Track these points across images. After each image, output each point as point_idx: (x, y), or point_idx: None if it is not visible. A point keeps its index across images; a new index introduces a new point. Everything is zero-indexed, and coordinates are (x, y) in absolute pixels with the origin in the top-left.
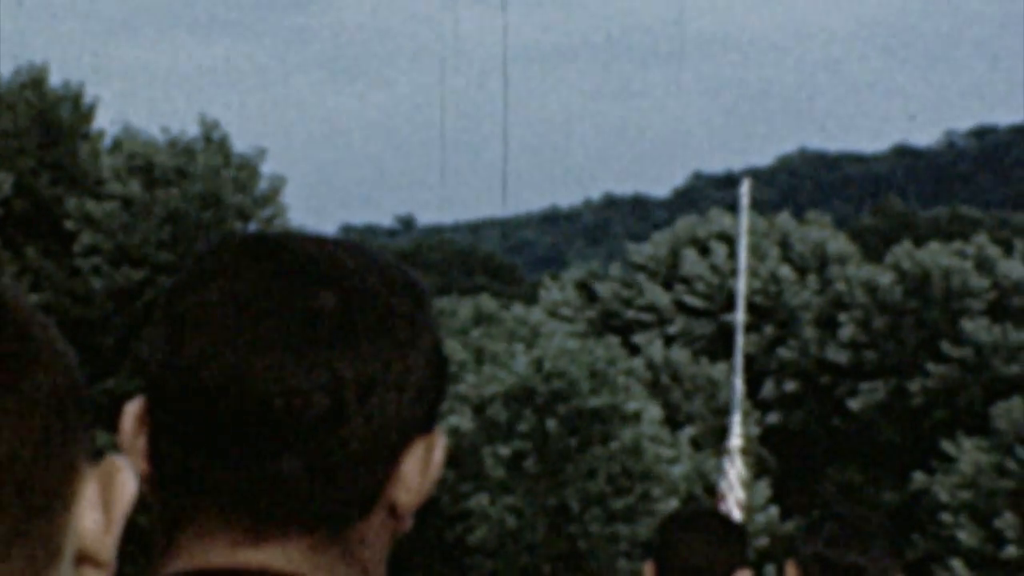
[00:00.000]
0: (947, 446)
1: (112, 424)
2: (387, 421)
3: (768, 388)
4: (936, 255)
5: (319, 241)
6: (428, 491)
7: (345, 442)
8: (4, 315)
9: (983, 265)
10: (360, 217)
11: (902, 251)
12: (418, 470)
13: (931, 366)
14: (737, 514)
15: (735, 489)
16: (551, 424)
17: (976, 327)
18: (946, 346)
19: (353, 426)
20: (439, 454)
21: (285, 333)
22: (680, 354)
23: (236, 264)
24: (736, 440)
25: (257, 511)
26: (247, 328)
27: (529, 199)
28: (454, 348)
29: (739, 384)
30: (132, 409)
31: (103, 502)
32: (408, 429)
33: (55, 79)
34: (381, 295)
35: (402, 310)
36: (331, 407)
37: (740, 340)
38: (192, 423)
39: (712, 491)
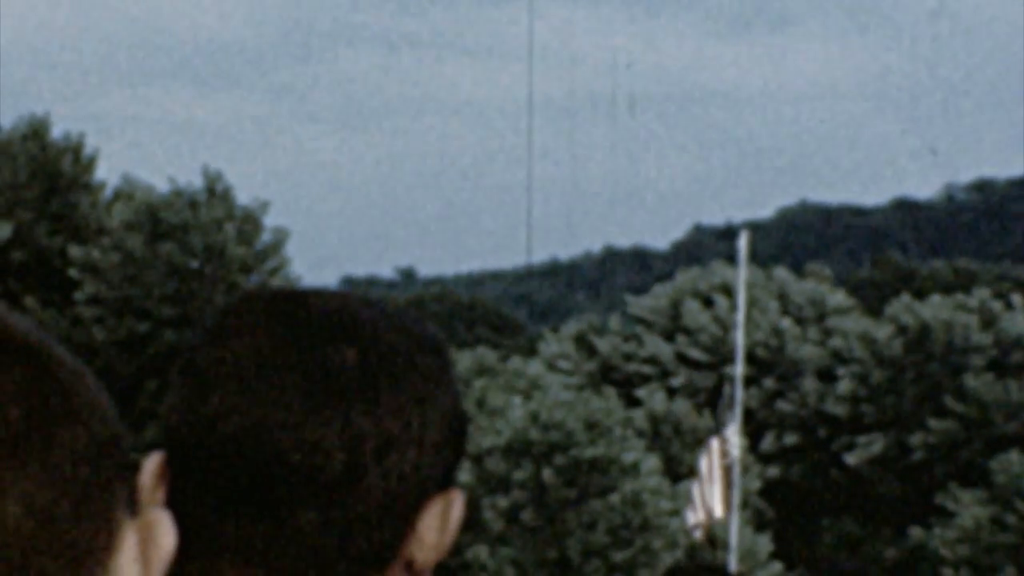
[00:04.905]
0: (944, 499)
1: None
2: (405, 478)
3: (768, 441)
4: (937, 309)
5: (340, 297)
6: (446, 549)
7: (362, 498)
8: (41, 369)
9: (985, 320)
10: (362, 269)
11: (901, 305)
12: (435, 527)
13: (933, 421)
14: (691, 518)
15: (705, 495)
16: (548, 474)
17: (979, 383)
18: (949, 401)
19: (370, 482)
20: (457, 511)
21: (304, 388)
22: (681, 406)
23: (257, 320)
24: (735, 449)
25: (273, 565)
26: (267, 383)
27: (530, 251)
28: None
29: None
30: (150, 464)
31: (143, 555)
32: (426, 486)
33: (56, 130)
34: (401, 351)
35: (422, 366)
36: (349, 463)
37: (740, 391)
38: (210, 477)
39: (713, 543)
